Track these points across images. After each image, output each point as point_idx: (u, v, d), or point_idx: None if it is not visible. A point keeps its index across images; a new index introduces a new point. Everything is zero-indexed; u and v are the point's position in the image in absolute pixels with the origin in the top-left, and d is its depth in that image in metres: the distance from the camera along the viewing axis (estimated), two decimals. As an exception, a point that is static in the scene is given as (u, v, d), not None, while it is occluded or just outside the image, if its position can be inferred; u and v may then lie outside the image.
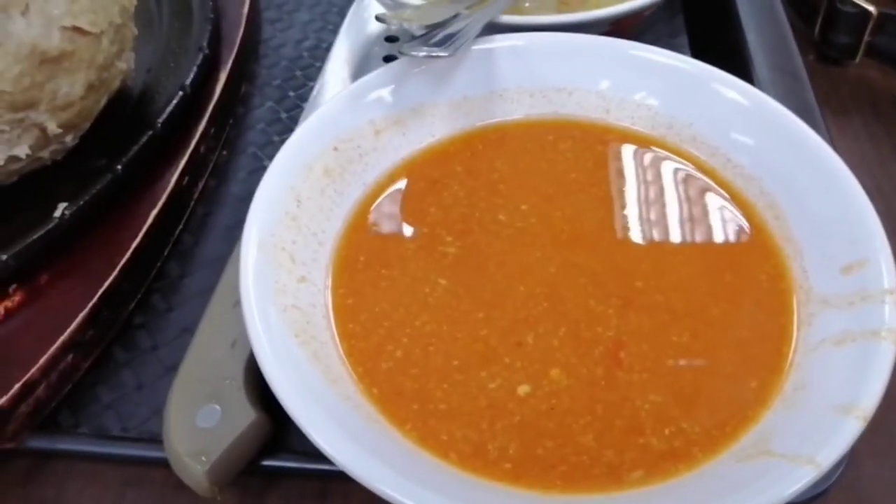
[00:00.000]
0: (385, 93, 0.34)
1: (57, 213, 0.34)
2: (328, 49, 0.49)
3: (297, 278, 0.29)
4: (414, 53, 0.31)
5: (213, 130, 0.41)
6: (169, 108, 0.38)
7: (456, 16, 0.34)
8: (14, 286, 0.33)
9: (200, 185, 0.40)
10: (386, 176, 0.34)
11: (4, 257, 0.32)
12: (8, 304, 0.32)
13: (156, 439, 0.31)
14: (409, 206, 0.33)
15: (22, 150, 0.34)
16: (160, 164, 0.38)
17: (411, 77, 0.35)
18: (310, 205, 0.31)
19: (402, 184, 0.34)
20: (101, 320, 0.33)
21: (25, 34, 0.32)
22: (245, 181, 0.42)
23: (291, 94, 0.47)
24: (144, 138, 0.37)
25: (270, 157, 0.42)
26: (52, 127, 0.34)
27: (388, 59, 0.47)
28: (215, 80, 0.42)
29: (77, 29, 0.33)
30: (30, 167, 0.36)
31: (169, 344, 0.35)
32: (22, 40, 0.31)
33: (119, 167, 0.35)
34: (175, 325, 0.35)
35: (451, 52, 0.31)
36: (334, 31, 0.51)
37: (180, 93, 0.39)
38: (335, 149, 0.32)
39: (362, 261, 0.31)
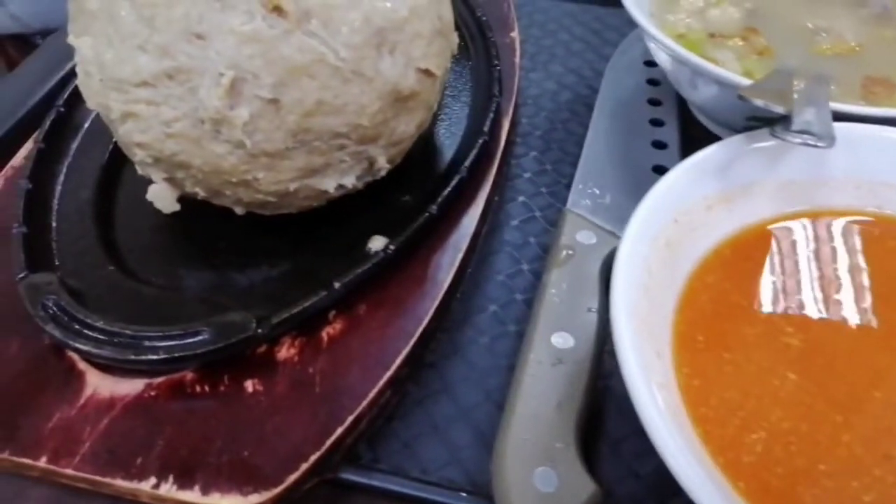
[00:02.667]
0: (720, 169, 0.34)
1: (373, 245, 0.35)
2: (586, 104, 0.49)
3: (655, 353, 0.28)
4: (790, 139, 0.30)
5: (498, 177, 0.41)
6: (473, 154, 0.38)
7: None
8: (334, 313, 0.33)
9: (484, 230, 0.40)
10: (712, 252, 0.33)
11: (337, 285, 0.32)
12: (330, 330, 0.33)
13: (457, 488, 0.31)
14: (742, 288, 0.32)
15: (349, 180, 0.35)
16: (459, 207, 0.38)
17: (744, 155, 0.34)
18: (657, 276, 0.30)
19: (728, 263, 0.33)
20: (414, 358, 0.33)
21: (390, 73, 0.32)
22: (518, 229, 0.42)
23: (554, 146, 0.47)
24: (454, 181, 0.37)
25: (540, 208, 0.43)
26: (381, 161, 0.35)
27: (654, 122, 0.47)
28: (500, 126, 0.42)
29: (426, 71, 0.34)
30: (342, 194, 0.36)
31: (455, 387, 0.35)
32: (387, 79, 0.32)
33: (434, 207, 0.36)
34: (460, 368, 0.36)
35: (829, 143, 0.30)
36: (590, 87, 0.51)
37: (480, 140, 0.39)
38: (675, 221, 0.32)
39: (701, 340, 0.30)
